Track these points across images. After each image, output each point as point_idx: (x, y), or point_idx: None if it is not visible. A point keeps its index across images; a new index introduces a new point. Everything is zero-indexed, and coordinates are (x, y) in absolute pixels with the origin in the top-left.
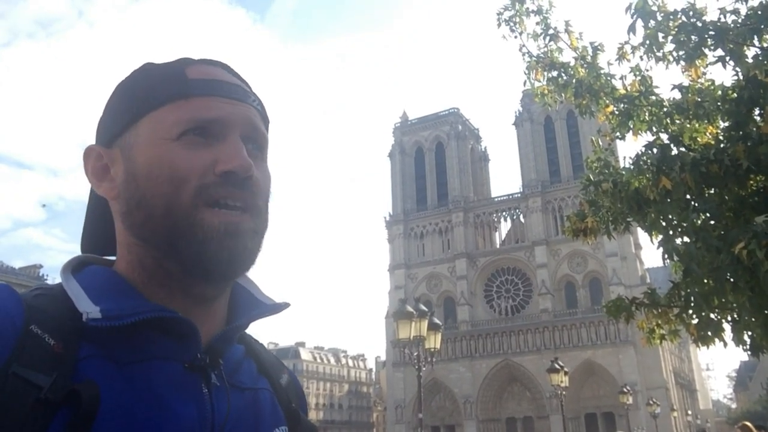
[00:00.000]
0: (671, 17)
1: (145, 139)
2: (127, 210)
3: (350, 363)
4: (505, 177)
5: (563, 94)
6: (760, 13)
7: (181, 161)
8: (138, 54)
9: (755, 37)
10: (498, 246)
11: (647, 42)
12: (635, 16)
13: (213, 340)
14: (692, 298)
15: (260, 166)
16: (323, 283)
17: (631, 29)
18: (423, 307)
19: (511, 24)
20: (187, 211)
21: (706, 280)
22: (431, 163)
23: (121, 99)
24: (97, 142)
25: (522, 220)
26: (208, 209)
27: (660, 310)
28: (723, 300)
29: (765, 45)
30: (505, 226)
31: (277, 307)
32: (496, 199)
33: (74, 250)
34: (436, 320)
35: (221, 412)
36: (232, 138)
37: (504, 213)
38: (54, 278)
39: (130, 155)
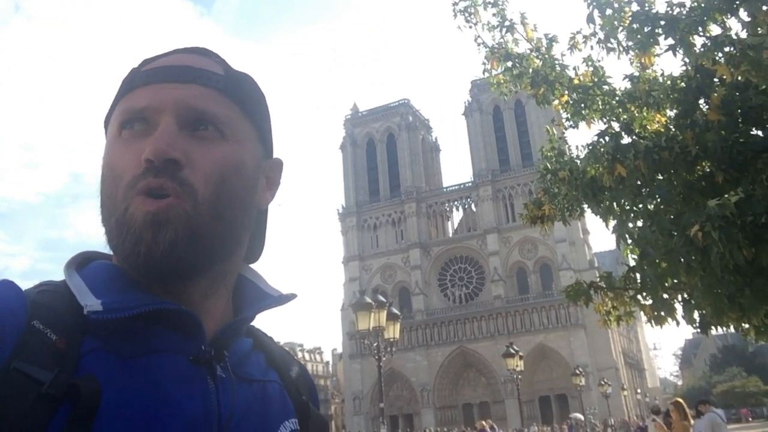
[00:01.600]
0: (625, 5)
1: (106, 144)
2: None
3: (307, 356)
4: (456, 167)
5: (519, 84)
6: (703, 5)
7: (117, 158)
8: (80, 48)
9: (700, 28)
10: (451, 235)
11: (603, 31)
12: (591, 7)
13: (219, 332)
14: (647, 280)
15: (209, 146)
16: (277, 277)
17: (590, 20)
18: (381, 298)
19: (467, 15)
20: (120, 208)
21: (659, 262)
22: (383, 155)
23: None
24: None
25: (473, 208)
26: (135, 200)
27: (615, 293)
28: (676, 281)
29: (709, 35)
30: (457, 216)
31: (283, 299)
32: (447, 189)
33: (18, 252)
34: (395, 310)
35: (227, 404)
36: (164, 123)
37: (456, 202)
38: None
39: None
